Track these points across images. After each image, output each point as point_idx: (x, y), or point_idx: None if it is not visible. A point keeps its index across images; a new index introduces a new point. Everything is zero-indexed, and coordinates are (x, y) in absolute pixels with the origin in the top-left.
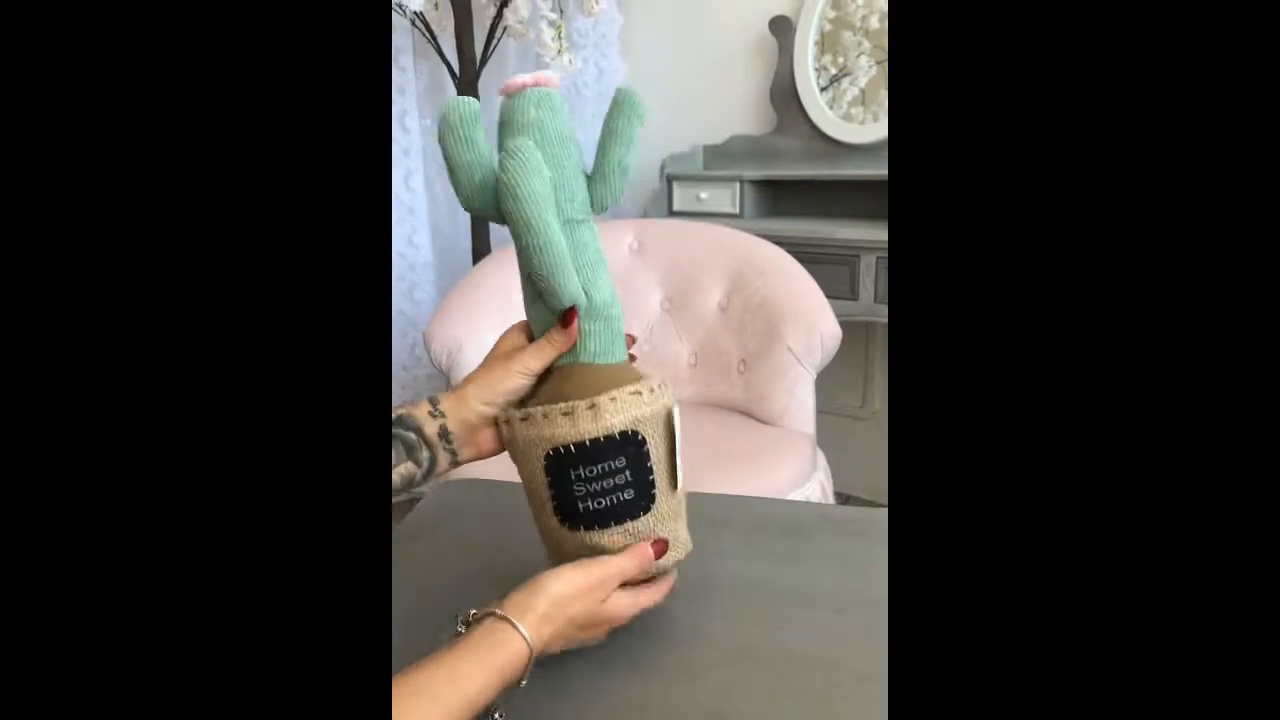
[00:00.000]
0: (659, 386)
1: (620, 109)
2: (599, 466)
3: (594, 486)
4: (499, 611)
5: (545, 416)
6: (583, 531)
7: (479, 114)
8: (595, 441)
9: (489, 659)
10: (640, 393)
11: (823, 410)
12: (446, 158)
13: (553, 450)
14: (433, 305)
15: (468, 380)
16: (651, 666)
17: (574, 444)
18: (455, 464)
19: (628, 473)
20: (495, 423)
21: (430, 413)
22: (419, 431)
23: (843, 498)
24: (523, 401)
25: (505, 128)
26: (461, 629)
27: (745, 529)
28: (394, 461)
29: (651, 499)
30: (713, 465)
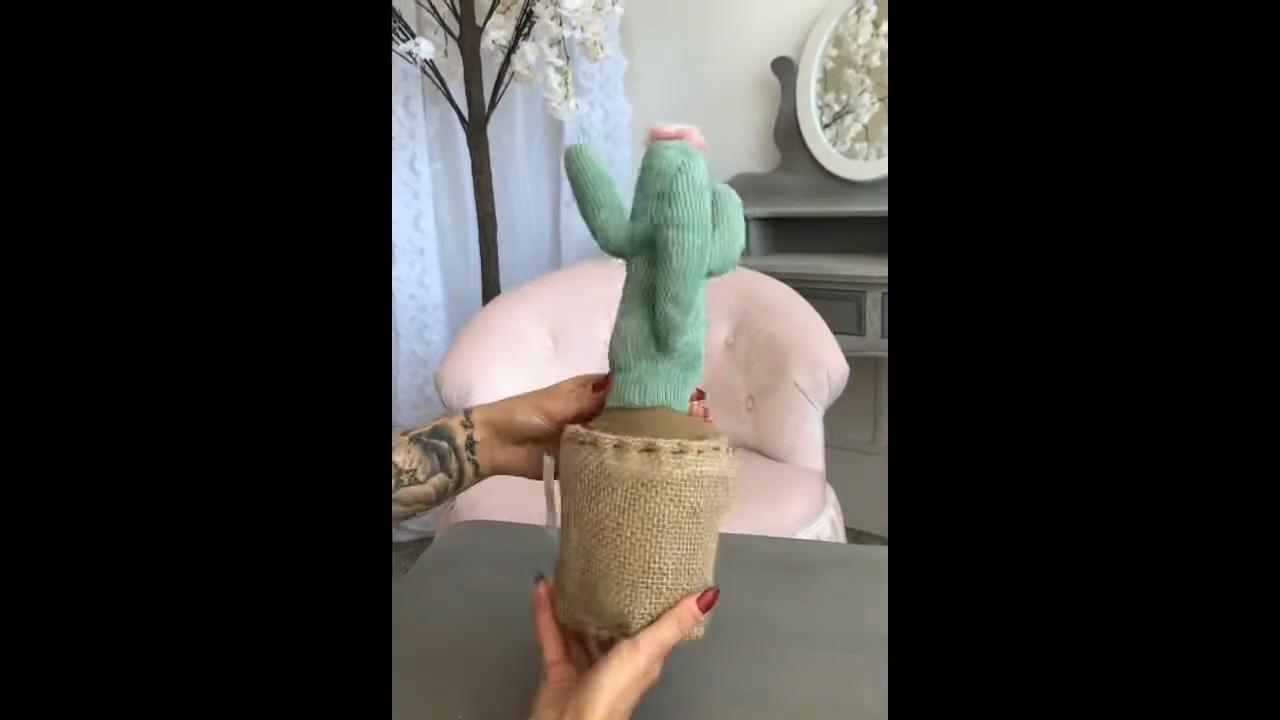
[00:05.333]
0: None
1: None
2: None
3: None
4: None
5: (716, 450)
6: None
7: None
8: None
9: None
10: None
11: (831, 446)
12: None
13: None
14: (443, 345)
15: (506, 401)
16: (654, 709)
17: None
18: (479, 476)
19: None
20: (517, 441)
21: (462, 423)
22: (451, 441)
23: (854, 534)
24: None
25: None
26: None
27: (753, 568)
28: (429, 472)
29: None
30: None
